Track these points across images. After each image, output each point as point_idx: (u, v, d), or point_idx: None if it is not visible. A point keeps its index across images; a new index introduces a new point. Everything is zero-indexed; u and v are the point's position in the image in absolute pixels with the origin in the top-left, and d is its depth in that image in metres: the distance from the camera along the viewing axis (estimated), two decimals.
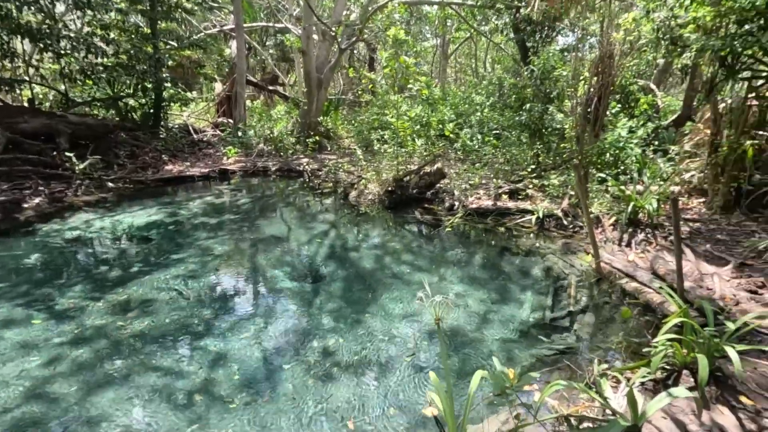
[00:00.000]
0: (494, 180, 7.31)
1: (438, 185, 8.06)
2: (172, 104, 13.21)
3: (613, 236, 5.59)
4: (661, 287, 4.19)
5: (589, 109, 5.99)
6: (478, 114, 12.16)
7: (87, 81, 9.77)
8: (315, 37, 14.07)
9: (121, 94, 11.07)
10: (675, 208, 3.14)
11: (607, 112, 9.30)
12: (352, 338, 3.85)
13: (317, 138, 12.22)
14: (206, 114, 16.60)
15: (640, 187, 6.32)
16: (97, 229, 6.71)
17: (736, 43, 5.60)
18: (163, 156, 10.23)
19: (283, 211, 8.12)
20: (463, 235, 6.66)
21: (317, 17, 12.18)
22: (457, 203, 7.11)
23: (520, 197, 7.15)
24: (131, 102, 11.76)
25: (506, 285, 4.96)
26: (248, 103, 16.97)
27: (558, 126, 7.79)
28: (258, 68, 24.56)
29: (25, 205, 7.07)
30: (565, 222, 6.22)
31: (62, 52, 8.70)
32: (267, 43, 23.04)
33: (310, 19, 12.42)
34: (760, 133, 6.12)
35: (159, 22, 11.27)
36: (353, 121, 14.07)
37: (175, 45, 11.62)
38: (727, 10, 5.73)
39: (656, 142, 9.33)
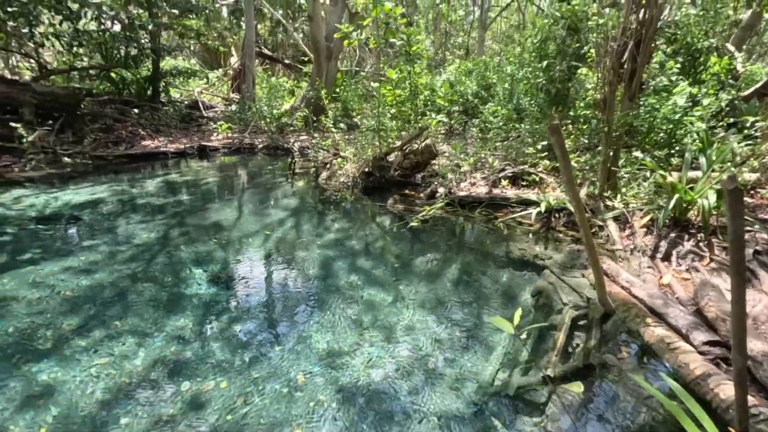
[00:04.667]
0: (490, 160, 5.60)
1: (432, 167, 6.48)
2: (173, 77, 12.42)
3: (644, 243, 3.81)
4: (709, 352, 2.48)
5: (622, 60, 4.14)
6: (506, 85, 10.26)
7: (68, 48, 9.05)
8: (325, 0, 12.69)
9: (111, 64, 10.34)
10: (734, 200, 1.53)
11: (664, 77, 7.20)
12: (240, 384, 2.64)
13: (310, 114, 10.85)
14: (223, 89, 15.83)
15: (695, 174, 4.42)
16: (23, 206, 5.88)
17: None
18: (143, 131, 9.37)
19: (245, 193, 6.93)
20: (446, 234, 5.11)
21: None
22: (441, 190, 5.51)
23: (524, 183, 5.42)
24: (128, 74, 11.04)
25: (478, 314, 3.44)
26: (272, 79, 15.92)
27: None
28: (289, 45, 23.61)
29: None
30: None
31: (30, 15, 7.97)
32: (299, 18, 21.97)
33: None
34: None
35: None
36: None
37: (167, 10, 10.67)
38: None
39: (731, 118, 7.10)
